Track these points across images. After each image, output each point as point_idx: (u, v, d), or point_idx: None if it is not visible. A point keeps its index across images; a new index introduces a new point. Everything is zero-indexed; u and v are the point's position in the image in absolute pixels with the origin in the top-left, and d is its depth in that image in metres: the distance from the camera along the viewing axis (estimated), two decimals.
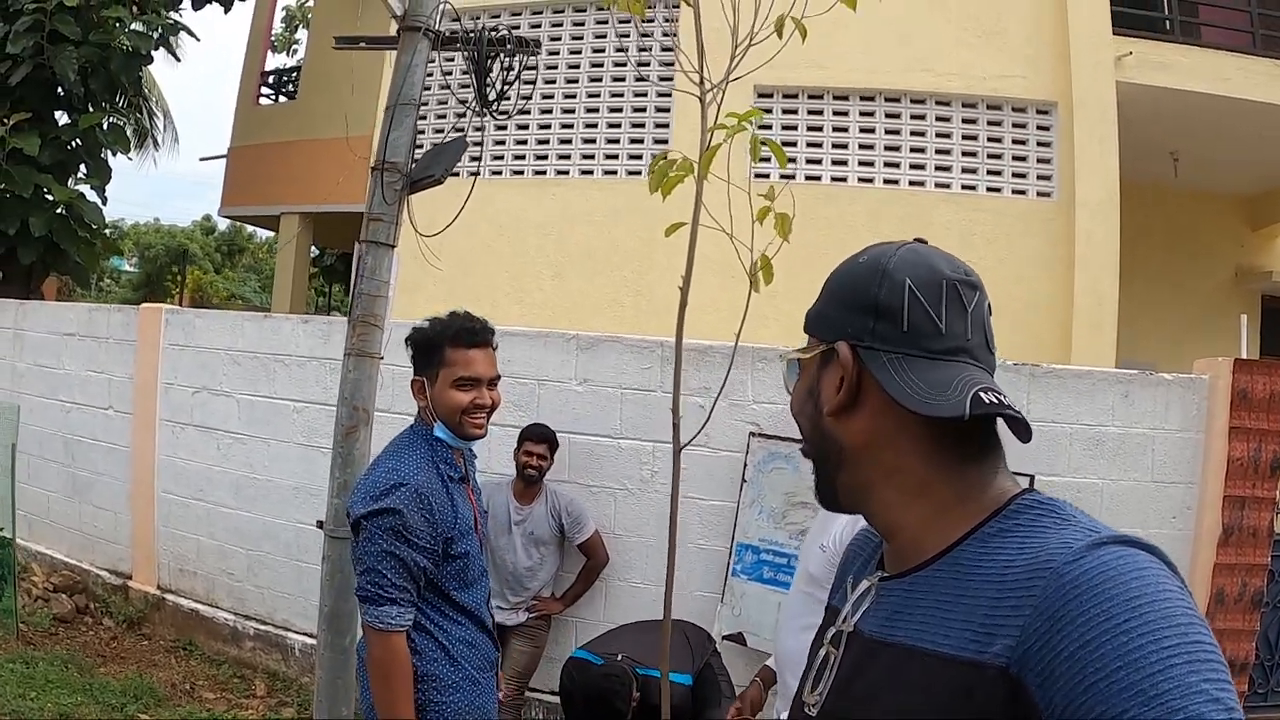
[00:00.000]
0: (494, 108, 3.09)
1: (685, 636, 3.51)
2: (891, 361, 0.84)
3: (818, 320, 0.94)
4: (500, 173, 6.19)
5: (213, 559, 5.09)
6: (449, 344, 2.17)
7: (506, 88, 3.06)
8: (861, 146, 6.06)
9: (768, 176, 5.68)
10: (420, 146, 3.17)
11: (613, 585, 4.16)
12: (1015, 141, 6.10)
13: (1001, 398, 0.81)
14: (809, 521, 3.95)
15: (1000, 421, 0.85)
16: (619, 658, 3.32)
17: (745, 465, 3.95)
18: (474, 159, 5.11)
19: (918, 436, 0.84)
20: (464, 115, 3.03)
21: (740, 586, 4.00)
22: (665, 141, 6.17)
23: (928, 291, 0.85)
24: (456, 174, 2.93)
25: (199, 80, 27.69)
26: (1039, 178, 6.07)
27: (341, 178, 9.09)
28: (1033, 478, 3.71)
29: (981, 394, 0.80)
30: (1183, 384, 3.83)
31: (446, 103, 6.47)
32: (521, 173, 4.97)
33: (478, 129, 3.11)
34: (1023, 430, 0.81)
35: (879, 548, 0.96)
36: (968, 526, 0.80)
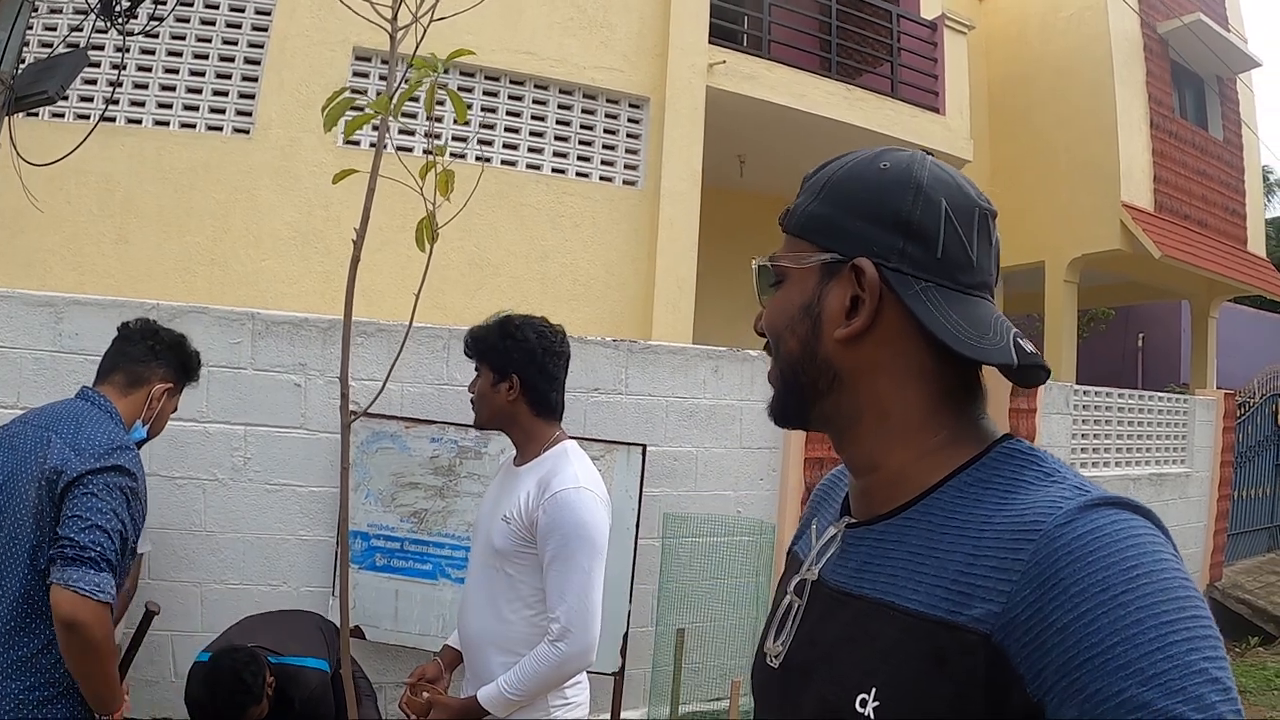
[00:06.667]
0: (121, 20, 2.62)
1: (320, 631, 3.23)
2: (925, 291, 0.76)
3: (821, 225, 0.82)
4: (62, 115, 5.13)
5: None
6: (196, 370, 2.30)
7: None
8: (456, 122, 5.92)
9: (358, 145, 5.45)
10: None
11: (209, 589, 3.76)
12: (607, 131, 6.48)
13: (1030, 344, 0.76)
14: (421, 503, 3.89)
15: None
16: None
17: None
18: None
19: (925, 372, 0.77)
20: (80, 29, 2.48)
21: (352, 577, 3.83)
22: (252, 97, 5.60)
23: (962, 218, 0.77)
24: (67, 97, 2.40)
25: None
26: (626, 167, 6.51)
27: None
28: (644, 447, 4.01)
29: (1019, 340, 0.75)
30: (765, 360, 4.42)
31: (61, 11, 5.21)
32: (86, 116, 4.00)
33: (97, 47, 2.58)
34: (1042, 376, 0.77)
35: (845, 489, 0.89)
36: (948, 470, 0.75)
